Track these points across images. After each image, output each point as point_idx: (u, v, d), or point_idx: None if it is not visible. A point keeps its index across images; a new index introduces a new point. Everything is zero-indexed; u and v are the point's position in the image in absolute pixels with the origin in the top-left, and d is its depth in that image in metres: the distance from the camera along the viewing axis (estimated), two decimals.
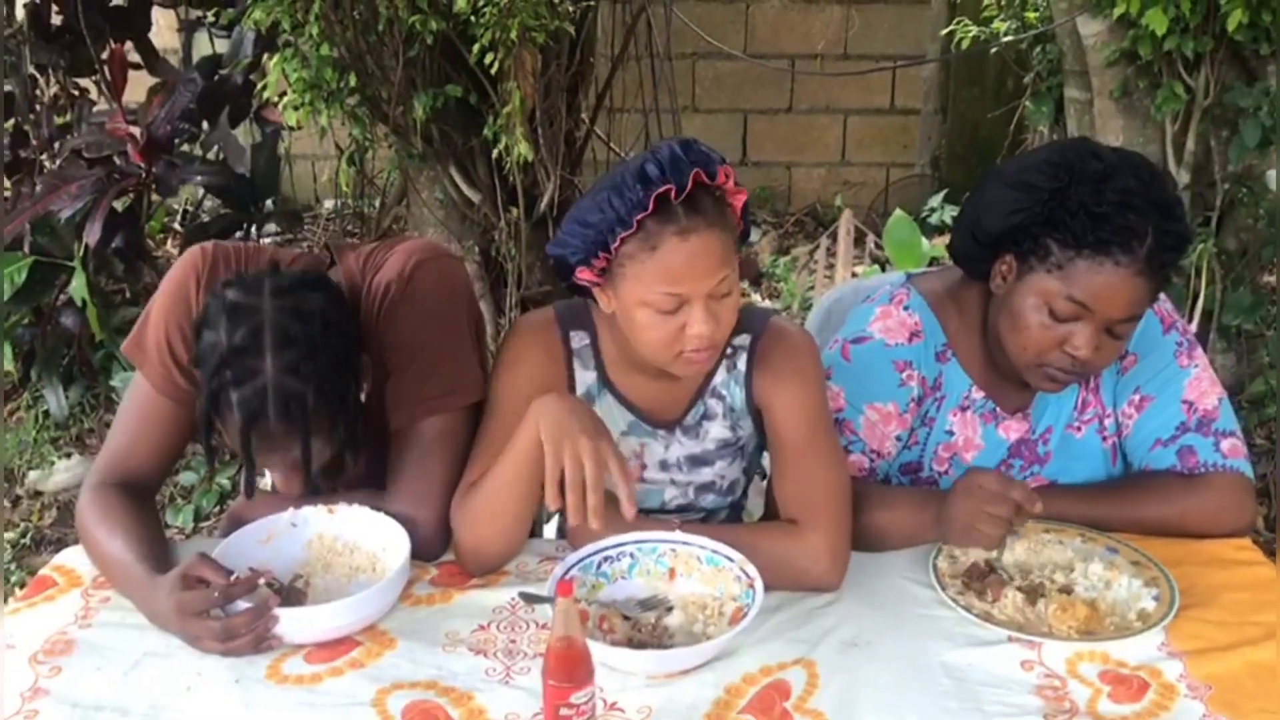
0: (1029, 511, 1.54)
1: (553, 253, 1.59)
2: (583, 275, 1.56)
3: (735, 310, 1.57)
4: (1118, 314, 1.58)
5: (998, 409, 1.79)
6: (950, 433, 1.80)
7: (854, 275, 4.58)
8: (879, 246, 4.89)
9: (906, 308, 1.78)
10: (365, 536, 1.64)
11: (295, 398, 1.49)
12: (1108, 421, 1.79)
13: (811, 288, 4.78)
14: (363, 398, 1.65)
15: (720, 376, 1.70)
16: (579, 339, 1.70)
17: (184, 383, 1.69)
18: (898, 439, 1.77)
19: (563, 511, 1.53)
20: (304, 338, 1.50)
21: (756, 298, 4.90)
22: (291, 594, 1.57)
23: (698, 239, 1.47)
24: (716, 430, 1.72)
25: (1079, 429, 1.80)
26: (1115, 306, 1.57)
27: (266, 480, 1.76)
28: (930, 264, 4.40)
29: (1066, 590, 1.56)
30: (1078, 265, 1.56)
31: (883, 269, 4.62)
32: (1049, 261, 1.58)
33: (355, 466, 1.65)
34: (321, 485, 1.61)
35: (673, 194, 1.46)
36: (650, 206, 1.46)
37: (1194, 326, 3.41)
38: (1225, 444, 1.72)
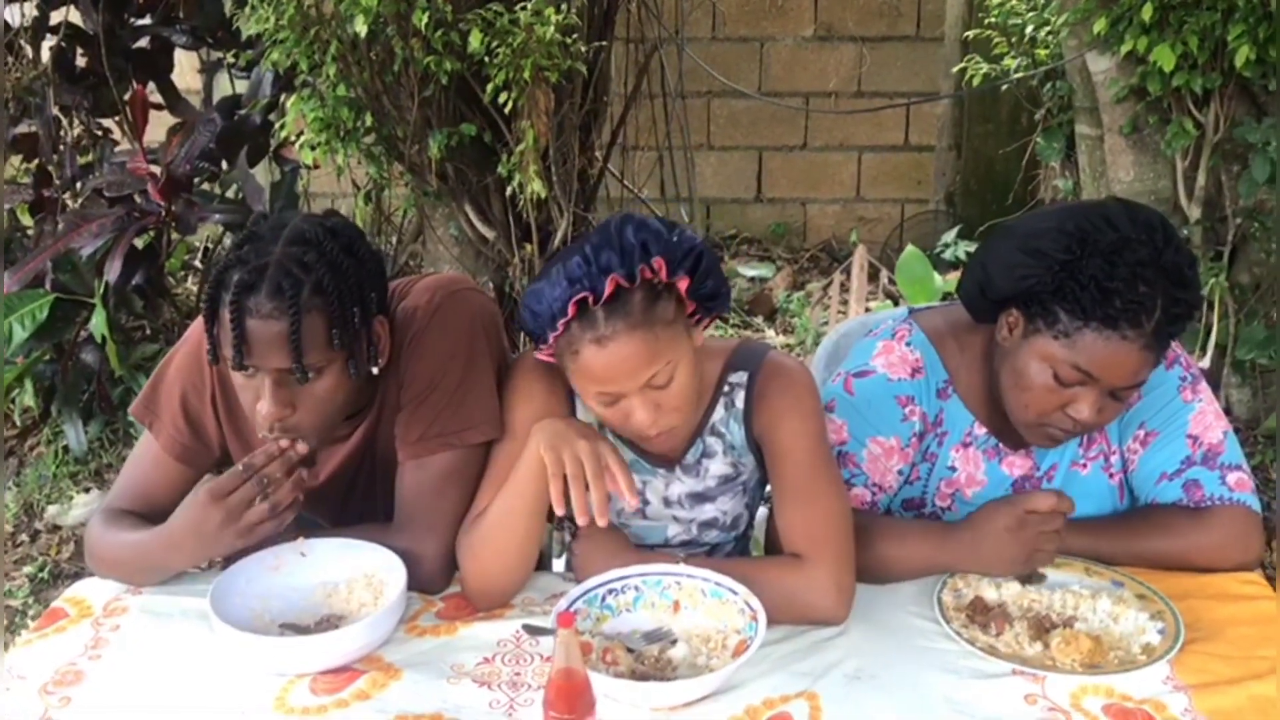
0: (1066, 510, 1.60)
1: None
2: (542, 355, 1.58)
3: (683, 393, 1.54)
4: (1122, 382, 1.59)
5: (1000, 445, 1.79)
6: (952, 469, 1.80)
7: (867, 310, 4.59)
8: (892, 282, 4.90)
9: (908, 344, 1.79)
10: (370, 569, 1.64)
11: (291, 280, 1.50)
12: (1113, 458, 1.79)
13: (825, 323, 4.79)
14: (381, 361, 1.63)
15: (719, 414, 1.70)
16: None
17: (195, 444, 1.71)
18: (899, 473, 1.78)
19: (566, 529, 1.53)
20: (318, 241, 1.54)
21: (771, 333, 4.91)
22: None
23: (616, 346, 1.46)
24: (717, 467, 1.72)
25: (1084, 466, 1.79)
26: (1120, 376, 1.58)
27: None
28: (944, 299, 4.40)
29: (1071, 624, 1.56)
30: (1085, 335, 1.56)
31: (896, 305, 4.62)
32: (1056, 328, 1.58)
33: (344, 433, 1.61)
34: (306, 475, 1.59)
35: (590, 300, 1.45)
36: (570, 312, 1.45)
37: (1207, 361, 3.40)
38: (1231, 477, 1.72)
